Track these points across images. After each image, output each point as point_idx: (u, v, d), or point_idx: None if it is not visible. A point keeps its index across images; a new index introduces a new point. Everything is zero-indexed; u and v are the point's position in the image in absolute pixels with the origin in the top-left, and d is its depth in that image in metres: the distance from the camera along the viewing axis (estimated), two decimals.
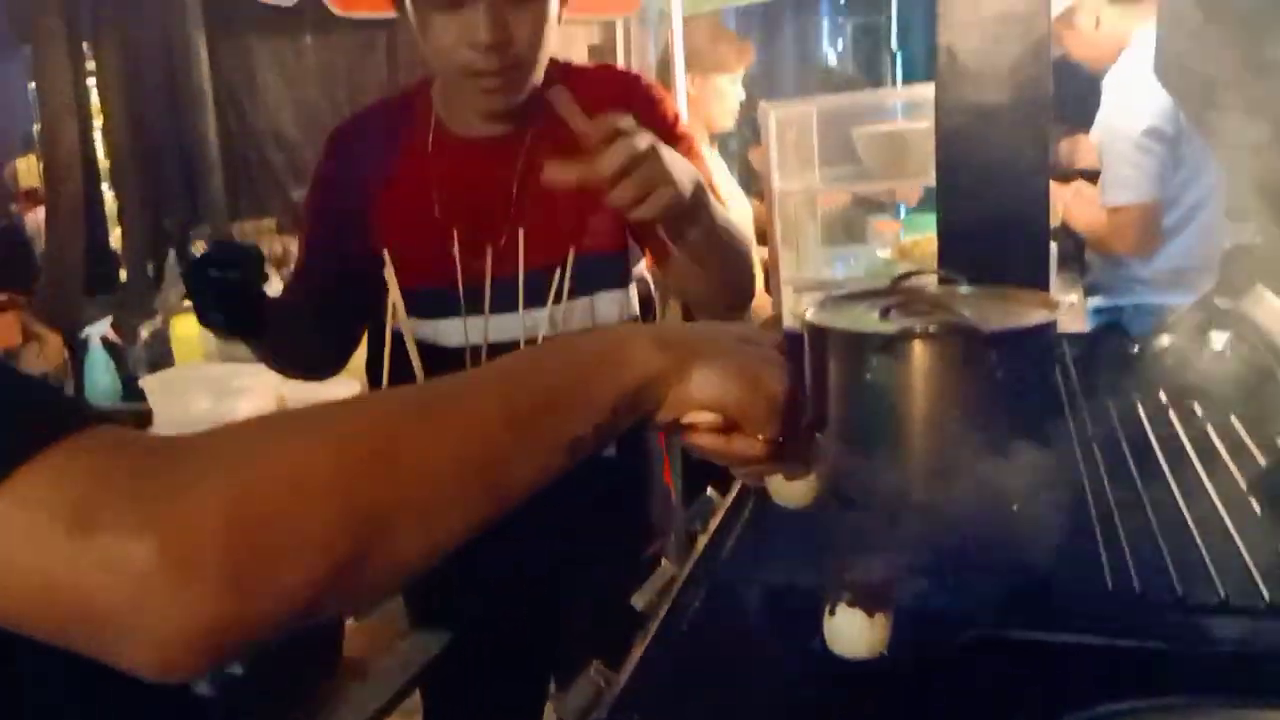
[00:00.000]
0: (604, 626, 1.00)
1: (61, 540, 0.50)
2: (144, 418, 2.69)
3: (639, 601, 1.04)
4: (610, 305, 1.48)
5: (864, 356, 1.05)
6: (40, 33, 3.92)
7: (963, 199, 1.64)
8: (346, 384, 1.83)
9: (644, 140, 1.13)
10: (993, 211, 1.61)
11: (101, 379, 3.03)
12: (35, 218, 5.08)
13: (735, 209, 1.40)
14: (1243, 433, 1.17)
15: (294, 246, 3.81)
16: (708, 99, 3.12)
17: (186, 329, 3.12)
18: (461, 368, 1.04)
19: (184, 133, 4.42)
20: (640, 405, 0.70)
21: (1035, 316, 1.10)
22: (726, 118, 3.23)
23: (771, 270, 3.10)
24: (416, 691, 1.62)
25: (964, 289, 1.22)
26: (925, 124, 2.58)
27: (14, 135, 6.15)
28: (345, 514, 0.56)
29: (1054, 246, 2.33)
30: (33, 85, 4.21)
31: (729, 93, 3.18)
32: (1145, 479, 1.09)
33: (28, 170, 5.81)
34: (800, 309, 1.02)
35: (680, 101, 2.97)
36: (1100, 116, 2.79)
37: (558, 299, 1.44)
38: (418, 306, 1.47)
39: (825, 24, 8.35)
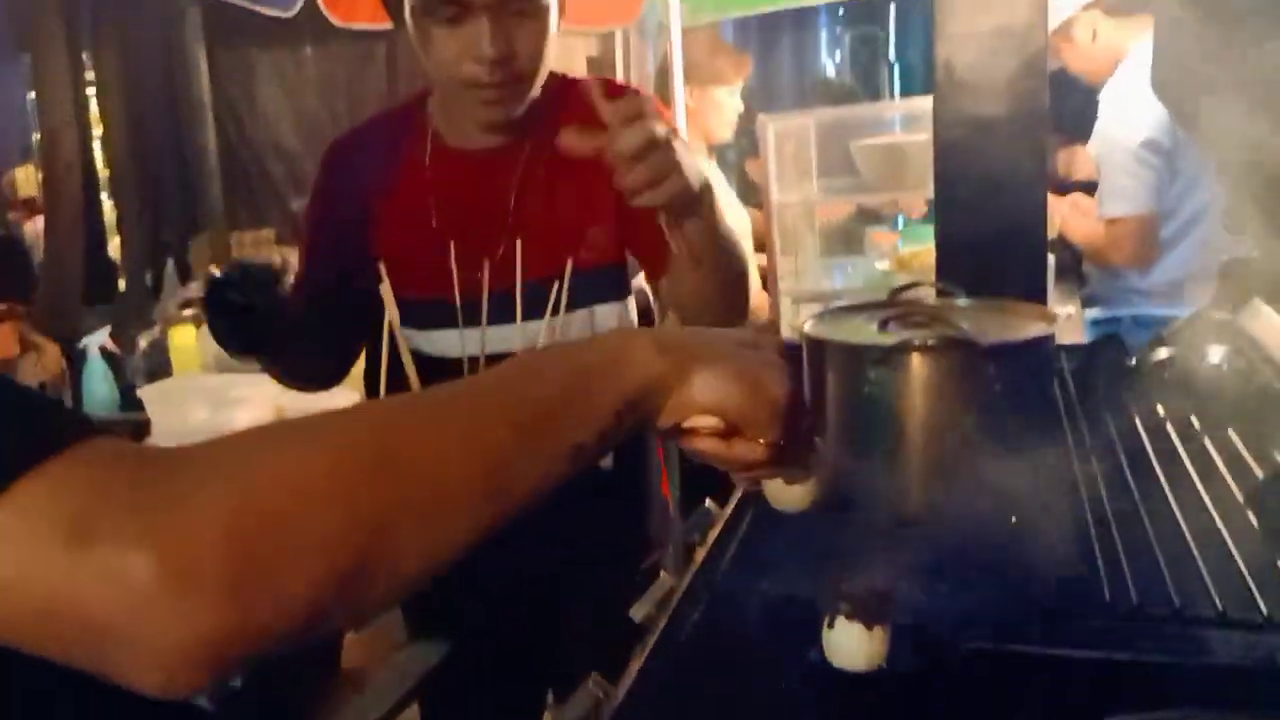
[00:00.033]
0: (602, 638, 1.00)
1: (60, 553, 0.49)
2: (142, 428, 2.69)
3: (637, 613, 1.04)
4: (609, 317, 1.49)
5: (862, 369, 1.05)
6: (40, 41, 3.93)
7: (961, 211, 1.65)
8: (345, 394, 1.83)
9: (662, 128, 1.15)
10: (991, 223, 1.61)
11: (99, 389, 3.02)
12: (34, 227, 5.08)
13: (733, 219, 1.40)
14: (1240, 446, 1.17)
15: (293, 257, 3.80)
16: (706, 111, 3.13)
17: (185, 339, 3.12)
18: None
19: (183, 143, 4.44)
20: (642, 410, 0.70)
21: (1033, 329, 1.11)
22: (725, 129, 3.24)
23: (770, 281, 3.10)
24: (414, 703, 1.62)
25: (962, 301, 1.23)
26: (923, 136, 2.59)
27: (13, 144, 6.15)
28: (346, 523, 0.55)
29: (1051, 258, 2.33)
30: (32, 94, 4.21)
31: (727, 104, 3.19)
32: (1143, 491, 1.09)
33: (26, 179, 5.81)
34: (799, 321, 1.03)
35: (679, 113, 2.97)
36: (1097, 129, 2.79)
37: (555, 311, 1.44)
38: (416, 318, 1.47)
39: (823, 35, 8.37)
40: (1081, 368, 1.45)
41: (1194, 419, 1.24)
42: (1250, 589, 0.89)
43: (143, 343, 3.27)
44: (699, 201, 1.23)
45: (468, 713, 1.65)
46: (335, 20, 3.79)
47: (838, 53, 8.48)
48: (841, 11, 8.11)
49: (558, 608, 1.60)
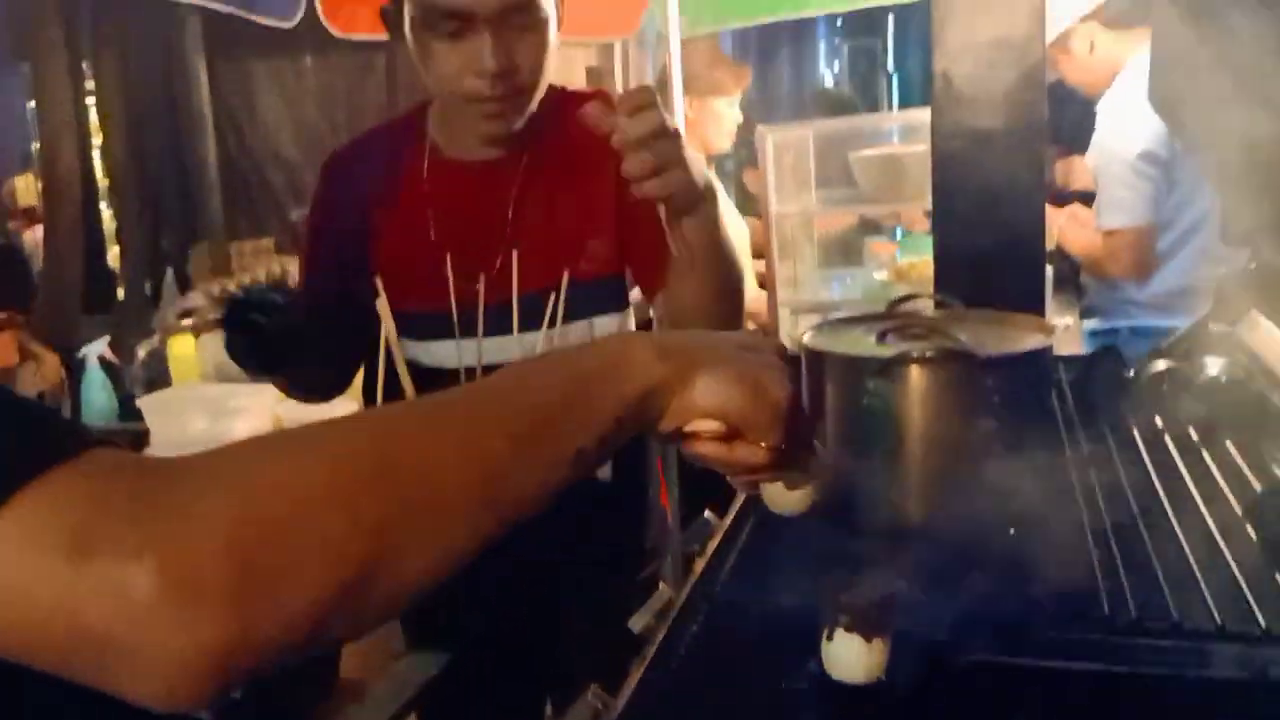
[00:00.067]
0: (601, 649, 1.00)
1: (60, 565, 0.49)
2: (141, 437, 2.69)
3: (636, 624, 1.04)
4: (608, 328, 1.49)
5: (861, 380, 1.05)
6: (40, 51, 3.93)
7: (959, 222, 1.65)
8: (344, 404, 1.83)
9: (672, 122, 1.17)
10: (989, 235, 1.61)
11: (98, 398, 3.02)
12: (33, 236, 5.08)
13: (732, 229, 1.41)
14: (1238, 458, 1.17)
15: (292, 266, 3.80)
16: (705, 121, 3.14)
17: (184, 348, 3.12)
18: None
19: (183, 152, 4.44)
20: (643, 415, 0.70)
21: (1031, 341, 1.11)
22: (723, 139, 3.25)
23: (769, 291, 3.11)
24: (413, 714, 1.61)
25: (960, 313, 1.23)
26: (921, 148, 2.60)
27: (12, 153, 6.15)
28: (347, 533, 0.55)
29: (1049, 269, 2.34)
30: (31, 103, 4.22)
31: (726, 115, 3.20)
32: (1141, 504, 1.09)
33: (26, 188, 5.81)
34: (797, 332, 1.03)
35: (678, 123, 2.98)
36: (1095, 141, 2.80)
37: (553, 322, 1.44)
38: (414, 329, 1.48)
39: (822, 46, 8.40)
40: (1080, 379, 1.45)
41: (1192, 431, 1.24)
42: (1248, 602, 0.89)
43: (141, 352, 3.27)
44: (701, 201, 1.24)
45: None
46: (335, 31, 3.79)
47: (836, 64, 8.51)
48: (839, 23, 8.15)
49: (556, 618, 1.60)
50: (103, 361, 3.09)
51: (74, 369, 3.11)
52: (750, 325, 3.15)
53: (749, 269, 3.13)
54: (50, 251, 4.03)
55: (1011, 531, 0.99)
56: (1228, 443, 1.20)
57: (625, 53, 4.28)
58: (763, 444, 0.74)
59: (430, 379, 1.46)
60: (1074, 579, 0.94)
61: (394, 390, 1.47)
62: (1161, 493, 1.10)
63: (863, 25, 8.12)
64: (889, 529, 1.04)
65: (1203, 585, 0.92)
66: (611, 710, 0.85)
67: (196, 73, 4.31)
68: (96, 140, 4.46)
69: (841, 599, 0.84)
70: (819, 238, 3.50)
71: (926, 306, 1.32)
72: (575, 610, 1.58)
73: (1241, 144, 1.22)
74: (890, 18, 8.08)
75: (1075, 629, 0.88)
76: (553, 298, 1.44)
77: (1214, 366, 1.32)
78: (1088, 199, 2.91)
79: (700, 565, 1.09)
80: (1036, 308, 1.62)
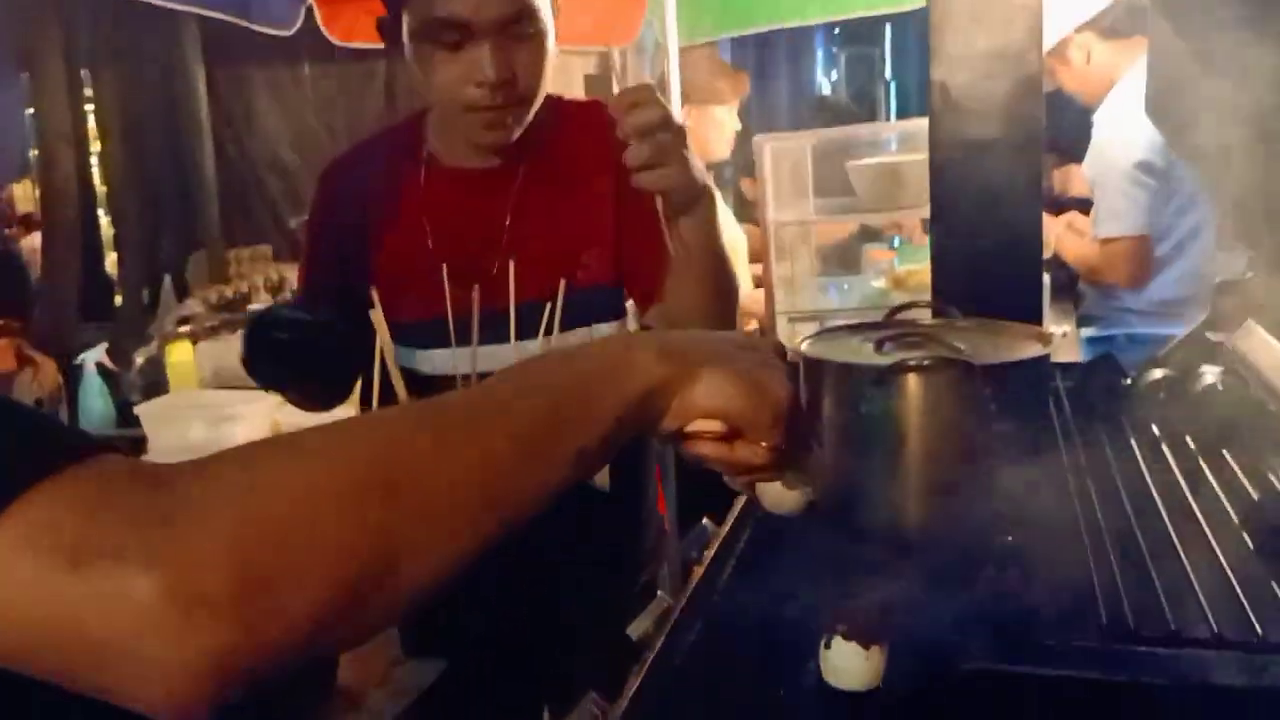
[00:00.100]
0: (599, 657, 1.00)
1: (63, 572, 0.49)
2: (138, 444, 2.69)
3: (635, 631, 1.04)
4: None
5: (858, 389, 1.05)
6: (38, 59, 3.94)
7: (956, 230, 1.65)
8: (343, 410, 1.83)
9: (675, 117, 1.20)
10: (986, 244, 1.61)
11: (96, 405, 3.02)
12: (31, 242, 5.08)
13: (728, 236, 1.42)
14: (1235, 466, 1.17)
15: (290, 273, 3.82)
16: (703, 129, 3.15)
17: (181, 355, 3.12)
18: None
19: (181, 160, 4.45)
20: (644, 415, 0.70)
21: (1029, 350, 1.11)
22: (722, 147, 3.26)
23: (766, 299, 3.11)
24: None
25: (958, 322, 1.23)
26: (919, 156, 2.61)
27: (11, 160, 6.15)
28: (349, 537, 0.55)
29: (1047, 278, 2.34)
30: (30, 110, 4.22)
31: (725, 123, 3.21)
32: (1138, 512, 1.09)
33: (24, 195, 5.82)
34: (795, 340, 1.03)
35: None
36: (1092, 150, 2.81)
37: (549, 331, 1.44)
38: (411, 337, 1.48)
39: (820, 55, 8.42)
40: (1077, 387, 1.45)
41: (1189, 439, 1.24)
42: (1246, 610, 0.89)
43: (139, 359, 3.27)
44: (699, 200, 1.25)
45: None
46: (334, 39, 3.80)
47: (834, 72, 8.54)
48: (837, 31, 8.17)
49: (554, 625, 1.60)
50: (100, 368, 3.09)
51: (71, 376, 3.11)
52: (751, 325, 3.15)
53: (745, 275, 3.14)
54: (48, 258, 4.04)
55: (1009, 539, 1.00)
56: (1224, 451, 1.20)
57: (624, 61, 4.29)
58: (763, 443, 0.74)
59: (426, 387, 1.47)
60: (1071, 587, 0.95)
61: (389, 400, 1.48)
62: (1158, 500, 1.10)
63: (861, 34, 8.15)
64: (887, 537, 1.04)
65: (1200, 593, 0.92)
66: (609, 717, 0.85)
67: (195, 80, 4.32)
68: (95, 147, 4.47)
69: (839, 607, 0.84)
70: (817, 245, 3.51)
71: (924, 314, 1.32)
72: (573, 617, 1.58)
73: (1238, 154, 1.22)
74: (888, 27, 8.11)
75: (1072, 637, 0.89)
76: (550, 306, 1.44)
77: (1211, 375, 1.32)
78: (1085, 207, 2.92)
79: (698, 573, 1.09)
80: (1034, 315, 1.62)
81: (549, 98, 1.45)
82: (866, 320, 1.28)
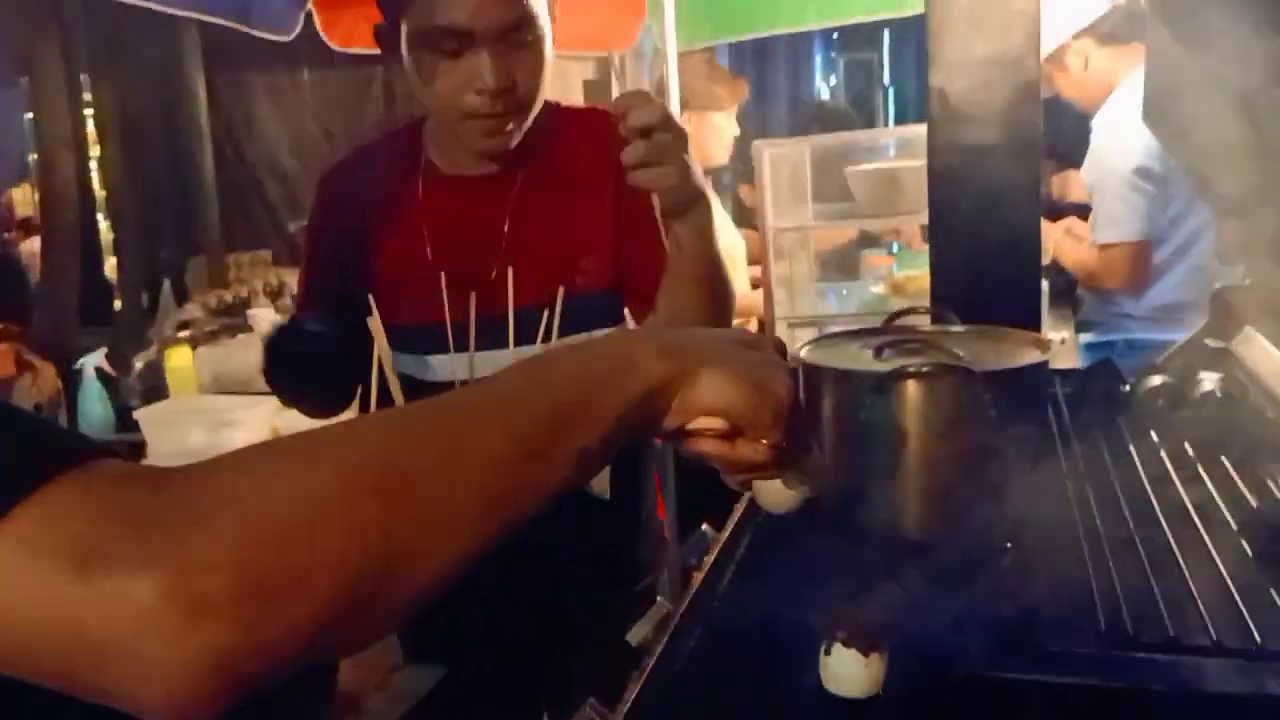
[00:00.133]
0: (599, 662, 1.01)
1: (64, 576, 0.49)
2: (138, 449, 2.68)
3: (634, 637, 1.04)
4: None
5: (858, 395, 1.06)
6: (37, 63, 3.94)
7: (955, 236, 1.65)
8: (343, 415, 1.83)
9: (676, 118, 1.21)
10: (985, 249, 1.62)
11: (95, 410, 3.02)
12: (30, 247, 5.08)
13: (725, 242, 1.42)
14: (1233, 473, 1.17)
15: (289, 278, 3.82)
16: (702, 135, 3.15)
17: (181, 360, 3.12)
18: None
19: (180, 164, 4.45)
20: (646, 413, 0.69)
21: (1027, 356, 1.11)
22: (720, 153, 3.27)
23: (765, 305, 3.11)
24: None
25: (957, 327, 1.23)
26: (917, 162, 2.61)
27: (10, 164, 6.16)
28: (352, 539, 0.55)
29: (1045, 283, 2.35)
30: (29, 115, 4.22)
31: (723, 128, 3.22)
32: (1137, 518, 1.09)
33: (23, 199, 5.83)
34: (794, 346, 1.03)
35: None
36: (1091, 155, 2.82)
37: (547, 337, 1.44)
38: (409, 343, 1.48)
39: (818, 60, 8.43)
40: (1076, 393, 1.45)
41: (1188, 446, 1.25)
42: (1245, 617, 0.89)
43: (139, 364, 3.27)
44: (695, 203, 1.26)
45: None
46: (333, 44, 3.81)
47: (832, 78, 8.55)
48: (836, 37, 8.18)
49: (554, 631, 1.60)
50: (100, 373, 3.09)
51: (71, 380, 3.10)
52: (751, 325, 3.16)
53: (743, 280, 3.14)
54: (47, 263, 4.04)
55: (1008, 546, 1.00)
56: (1223, 457, 1.21)
57: (623, 67, 4.30)
58: (764, 442, 0.74)
59: (424, 393, 1.46)
60: (1070, 593, 0.95)
61: (388, 406, 1.48)
62: (1157, 507, 1.11)
63: (859, 40, 8.16)
64: (886, 543, 1.04)
65: (1199, 600, 0.92)
66: None
67: (194, 85, 4.32)
68: (94, 152, 4.47)
69: (839, 613, 0.84)
70: (816, 251, 3.51)
71: (923, 320, 1.32)
72: (573, 623, 1.58)
73: (1235, 161, 1.23)
74: (886, 33, 8.12)
75: (1072, 643, 0.89)
76: (548, 312, 1.44)
77: (1209, 381, 1.32)
78: (1083, 213, 2.92)
79: (698, 578, 1.09)
80: (1033, 321, 1.63)
81: (547, 104, 1.45)
82: (866, 326, 1.28)
